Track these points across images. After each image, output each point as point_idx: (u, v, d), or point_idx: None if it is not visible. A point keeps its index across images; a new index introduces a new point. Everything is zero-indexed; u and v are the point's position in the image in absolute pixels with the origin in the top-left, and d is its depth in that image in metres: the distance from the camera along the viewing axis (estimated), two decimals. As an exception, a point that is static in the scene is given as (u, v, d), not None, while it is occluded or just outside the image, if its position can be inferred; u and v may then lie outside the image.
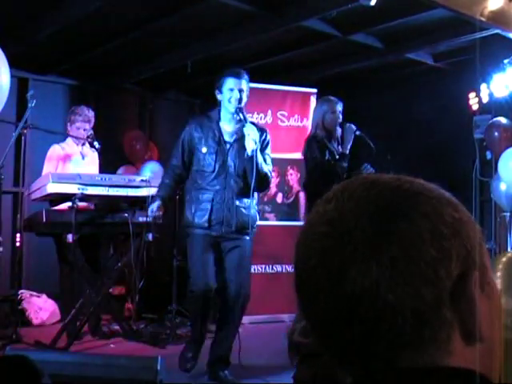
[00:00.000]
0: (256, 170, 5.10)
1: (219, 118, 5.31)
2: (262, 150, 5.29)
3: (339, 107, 6.34)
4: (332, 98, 6.43)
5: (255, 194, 5.41)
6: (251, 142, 5.06)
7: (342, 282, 0.83)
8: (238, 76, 5.23)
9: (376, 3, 5.44)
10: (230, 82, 5.20)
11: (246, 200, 5.25)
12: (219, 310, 5.42)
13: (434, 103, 8.65)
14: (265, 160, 5.27)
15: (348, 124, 6.33)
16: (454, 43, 7.67)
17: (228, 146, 5.24)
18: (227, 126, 5.30)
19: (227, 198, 5.18)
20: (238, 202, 5.20)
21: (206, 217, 5.15)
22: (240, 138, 5.21)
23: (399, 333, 0.82)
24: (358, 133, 6.30)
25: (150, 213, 5.38)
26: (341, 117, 6.33)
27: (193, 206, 5.22)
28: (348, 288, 0.83)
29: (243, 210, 5.22)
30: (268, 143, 5.40)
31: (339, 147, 6.31)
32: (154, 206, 5.32)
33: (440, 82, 8.78)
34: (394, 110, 9.09)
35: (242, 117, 5.17)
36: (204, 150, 5.22)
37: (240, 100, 5.19)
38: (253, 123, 5.37)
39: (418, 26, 7.09)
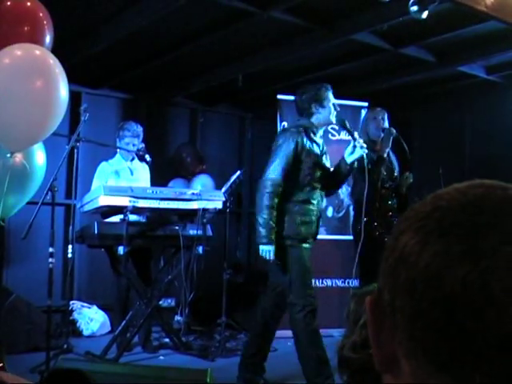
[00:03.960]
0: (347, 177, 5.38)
1: (314, 129, 5.17)
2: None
3: (381, 114, 6.36)
4: (377, 108, 6.49)
5: None
6: (359, 149, 5.10)
7: None
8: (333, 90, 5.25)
9: (427, 16, 5.38)
10: (332, 97, 5.22)
11: None
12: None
13: (487, 116, 8.55)
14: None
15: (388, 127, 6.29)
16: (507, 56, 7.56)
17: (323, 156, 5.20)
18: (317, 138, 5.18)
19: (321, 209, 5.25)
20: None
21: (314, 229, 5.10)
22: (323, 149, 5.23)
23: None
24: (395, 135, 6.23)
25: (267, 256, 4.92)
26: (383, 124, 6.32)
27: (298, 217, 5.01)
28: None
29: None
30: None
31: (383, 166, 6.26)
32: (269, 251, 4.93)
33: (493, 95, 8.67)
34: (447, 124, 9.00)
35: (347, 127, 5.26)
36: (312, 161, 5.05)
37: None
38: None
39: (471, 39, 7.00)
